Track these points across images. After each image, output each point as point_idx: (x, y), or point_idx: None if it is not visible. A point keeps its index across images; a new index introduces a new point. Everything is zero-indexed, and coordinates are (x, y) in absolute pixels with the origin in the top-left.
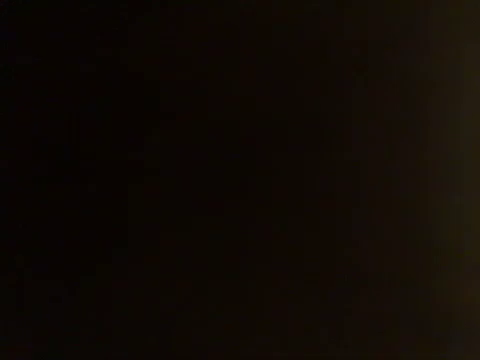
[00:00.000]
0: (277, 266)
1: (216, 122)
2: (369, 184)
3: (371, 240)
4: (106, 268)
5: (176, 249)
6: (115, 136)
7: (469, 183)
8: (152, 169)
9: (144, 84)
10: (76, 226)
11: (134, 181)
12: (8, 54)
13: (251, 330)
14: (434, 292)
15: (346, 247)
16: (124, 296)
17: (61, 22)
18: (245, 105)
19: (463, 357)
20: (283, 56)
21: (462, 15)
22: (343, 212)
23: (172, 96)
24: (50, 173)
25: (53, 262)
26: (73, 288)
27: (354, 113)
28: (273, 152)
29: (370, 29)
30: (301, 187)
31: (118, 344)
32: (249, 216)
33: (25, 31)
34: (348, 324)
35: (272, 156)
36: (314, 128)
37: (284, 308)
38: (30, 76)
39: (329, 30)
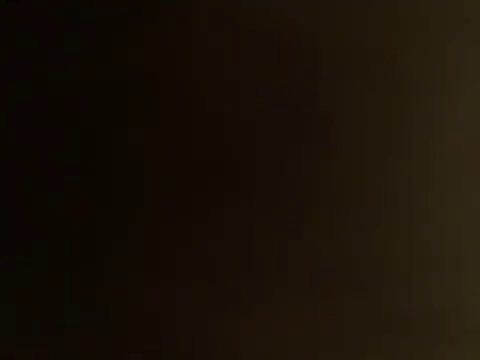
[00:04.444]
0: (276, 266)
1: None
2: (368, 184)
3: (369, 240)
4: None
5: (170, 251)
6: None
7: (468, 184)
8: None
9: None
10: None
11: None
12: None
13: (250, 331)
14: (433, 292)
15: (345, 247)
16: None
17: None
18: (236, 104)
19: (462, 357)
20: (279, 57)
21: (462, 18)
22: (342, 212)
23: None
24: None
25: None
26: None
27: (352, 114)
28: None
29: (368, 31)
30: (299, 185)
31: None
32: (248, 217)
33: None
34: (347, 324)
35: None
36: (312, 128)
37: (283, 307)
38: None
39: (327, 32)
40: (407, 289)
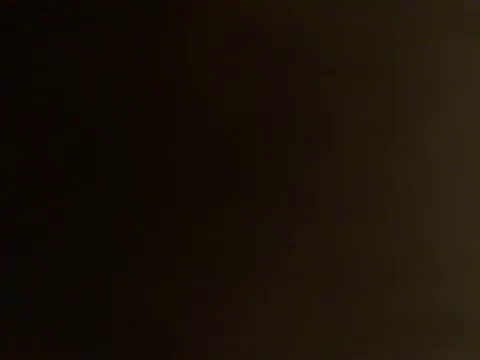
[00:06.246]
0: (276, 266)
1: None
2: (368, 183)
3: (369, 240)
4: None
5: (170, 250)
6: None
7: (468, 183)
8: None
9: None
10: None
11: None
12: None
13: (250, 331)
14: (433, 292)
15: (345, 247)
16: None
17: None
18: (234, 105)
19: (462, 357)
20: (277, 55)
21: (460, 14)
22: (341, 212)
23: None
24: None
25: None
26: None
27: (352, 114)
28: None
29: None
30: (299, 185)
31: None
32: (248, 217)
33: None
34: (347, 324)
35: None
36: (312, 128)
37: (284, 308)
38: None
39: (324, 30)
40: (407, 289)
